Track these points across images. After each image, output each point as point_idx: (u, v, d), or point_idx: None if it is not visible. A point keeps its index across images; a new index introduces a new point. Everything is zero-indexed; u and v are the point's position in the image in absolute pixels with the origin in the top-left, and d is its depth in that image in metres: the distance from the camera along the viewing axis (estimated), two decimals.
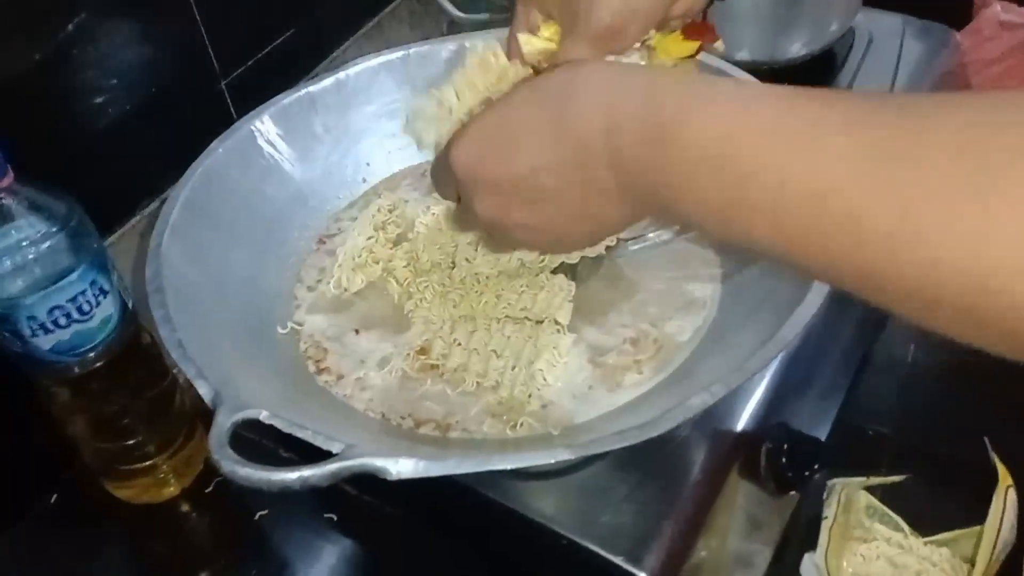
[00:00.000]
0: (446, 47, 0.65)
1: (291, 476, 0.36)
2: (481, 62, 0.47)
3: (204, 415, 0.48)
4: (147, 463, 0.57)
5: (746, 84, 0.33)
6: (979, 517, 0.60)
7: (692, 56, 0.45)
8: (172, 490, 0.60)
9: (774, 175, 0.28)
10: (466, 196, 0.40)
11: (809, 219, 0.27)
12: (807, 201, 0.27)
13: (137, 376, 0.55)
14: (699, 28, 0.45)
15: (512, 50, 0.47)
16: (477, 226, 0.42)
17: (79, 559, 0.58)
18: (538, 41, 0.45)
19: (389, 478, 0.38)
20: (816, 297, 0.43)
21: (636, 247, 0.56)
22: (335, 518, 0.58)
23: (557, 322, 0.52)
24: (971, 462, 0.59)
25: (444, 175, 0.42)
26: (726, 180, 0.29)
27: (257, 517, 0.58)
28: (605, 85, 0.34)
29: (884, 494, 0.63)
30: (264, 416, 0.40)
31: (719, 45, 0.47)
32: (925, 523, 0.63)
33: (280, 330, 0.55)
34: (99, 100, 0.58)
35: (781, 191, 0.28)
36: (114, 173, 0.61)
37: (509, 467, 0.38)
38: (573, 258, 0.55)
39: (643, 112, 0.32)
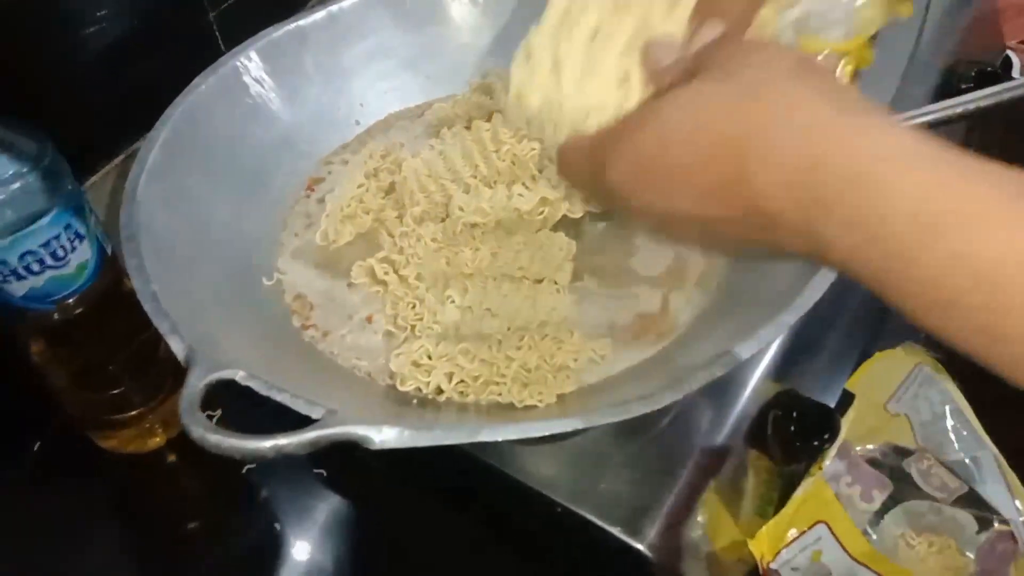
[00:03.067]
0: None
1: (265, 444, 0.34)
2: None
3: None
4: (132, 413, 0.56)
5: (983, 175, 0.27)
6: None
7: None
8: (158, 440, 0.58)
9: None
10: (622, 206, 0.36)
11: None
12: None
13: (119, 324, 0.53)
14: None
15: None
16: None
17: (63, 510, 0.57)
18: None
19: (372, 447, 0.36)
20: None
21: None
22: (324, 474, 0.56)
23: (556, 282, 0.49)
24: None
25: (592, 181, 0.37)
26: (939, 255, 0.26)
27: (245, 471, 0.57)
28: (804, 150, 0.28)
29: None
30: (240, 377, 0.38)
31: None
32: None
33: (266, 281, 0.52)
34: (78, 32, 0.55)
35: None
36: (94, 111, 0.58)
37: (499, 439, 0.36)
38: (577, 212, 0.51)
39: (860, 215, 0.27)
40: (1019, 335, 0.25)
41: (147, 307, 0.41)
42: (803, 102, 0.30)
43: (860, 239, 0.27)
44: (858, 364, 0.61)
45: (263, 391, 0.38)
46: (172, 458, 0.59)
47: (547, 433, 0.37)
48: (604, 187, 0.36)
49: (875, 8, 0.38)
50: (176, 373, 0.57)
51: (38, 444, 0.59)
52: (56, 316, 0.49)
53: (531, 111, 0.40)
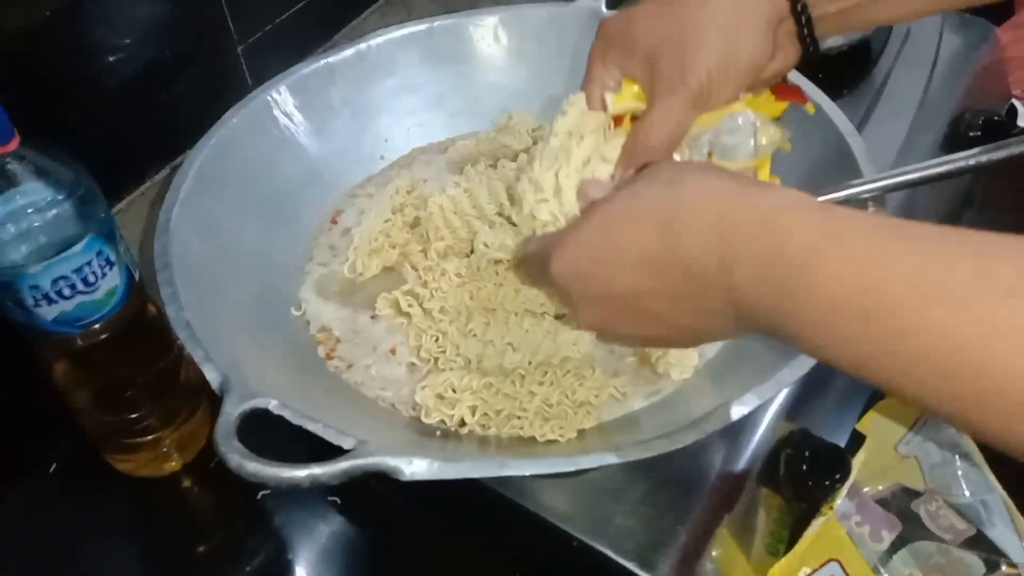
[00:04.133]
0: (472, 21, 0.62)
1: (301, 474, 0.35)
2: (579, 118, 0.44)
3: (209, 390, 0.47)
4: (149, 437, 0.56)
5: (861, 213, 0.30)
6: None
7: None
8: (174, 465, 0.58)
9: (938, 338, 0.26)
10: (568, 304, 0.39)
11: (977, 386, 0.26)
12: (979, 369, 0.26)
13: (142, 349, 0.53)
14: (789, 89, 0.45)
15: (593, 105, 0.45)
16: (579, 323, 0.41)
17: (77, 530, 0.57)
18: (627, 101, 0.43)
19: (402, 478, 0.36)
20: None
21: None
22: (339, 501, 0.56)
23: None
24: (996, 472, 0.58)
25: (541, 276, 0.40)
26: (873, 333, 0.28)
27: (259, 496, 0.57)
28: (714, 208, 0.32)
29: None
30: (273, 406, 0.39)
31: (809, 107, 0.46)
32: None
33: (294, 312, 0.53)
34: (111, 61, 0.56)
35: (951, 358, 0.26)
36: (124, 138, 0.59)
37: (527, 473, 0.37)
38: None
39: (763, 251, 0.30)
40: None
41: (182, 335, 0.42)
42: (715, 179, 0.34)
43: (763, 275, 0.30)
44: (867, 405, 0.62)
45: (295, 420, 0.38)
46: (187, 483, 0.58)
47: (573, 468, 0.38)
48: (550, 281, 0.38)
49: (771, 142, 0.43)
50: (195, 400, 0.57)
51: (55, 465, 0.59)
52: (80, 340, 0.50)
53: (541, 224, 0.45)
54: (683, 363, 0.49)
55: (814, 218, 0.30)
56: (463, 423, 0.46)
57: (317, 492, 0.56)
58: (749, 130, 0.42)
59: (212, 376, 0.40)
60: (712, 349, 0.51)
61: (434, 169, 0.62)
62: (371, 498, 0.55)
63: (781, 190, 0.33)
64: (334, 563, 0.54)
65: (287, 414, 0.38)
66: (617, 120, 0.44)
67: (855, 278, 0.28)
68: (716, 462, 0.51)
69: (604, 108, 0.44)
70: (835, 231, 0.29)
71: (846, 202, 0.45)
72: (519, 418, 0.46)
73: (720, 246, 0.31)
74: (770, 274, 0.30)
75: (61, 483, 0.59)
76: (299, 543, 0.55)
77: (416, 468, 0.36)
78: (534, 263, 0.42)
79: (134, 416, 0.55)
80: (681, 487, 0.49)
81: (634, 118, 0.44)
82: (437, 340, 0.50)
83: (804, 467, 0.51)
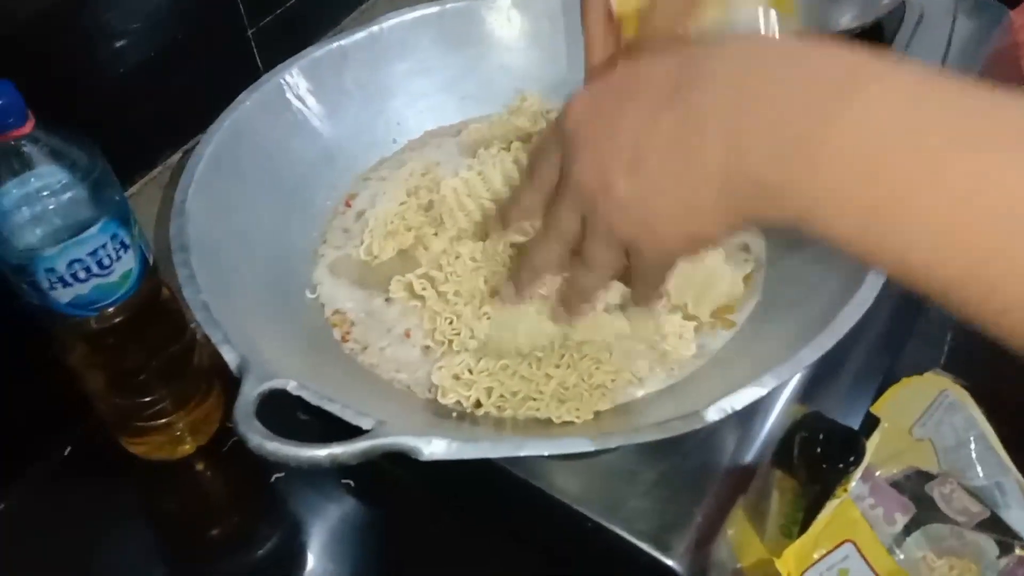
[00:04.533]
0: (485, 3, 0.62)
1: (320, 453, 0.35)
2: None
3: (222, 373, 0.47)
4: (163, 420, 0.56)
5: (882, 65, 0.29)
6: None
7: None
8: (187, 448, 0.59)
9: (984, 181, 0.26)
10: (568, 158, 0.38)
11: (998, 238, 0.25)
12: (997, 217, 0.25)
13: (155, 332, 0.53)
14: None
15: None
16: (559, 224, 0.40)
17: (91, 512, 0.57)
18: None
19: (421, 458, 0.37)
20: (871, 290, 0.42)
21: None
22: (352, 484, 0.57)
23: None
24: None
25: (551, 138, 0.39)
26: (910, 177, 0.27)
27: (273, 479, 0.57)
28: (739, 68, 0.32)
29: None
30: (292, 387, 0.39)
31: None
32: None
33: (309, 294, 0.53)
34: (122, 44, 0.56)
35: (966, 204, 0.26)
36: (136, 122, 0.59)
37: (545, 453, 0.37)
38: None
39: (775, 122, 0.30)
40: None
41: (199, 316, 0.42)
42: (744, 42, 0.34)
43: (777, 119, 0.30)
44: (880, 388, 0.62)
45: (314, 401, 0.38)
46: (200, 466, 0.59)
47: (589, 449, 0.38)
48: (562, 135, 0.37)
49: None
50: (208, 383, 0.58)
51: (69, 448, 0.60)
52: (95, 323, 0.50)
53: None
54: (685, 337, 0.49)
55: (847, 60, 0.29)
56: (479, 404, 0.46)
57: (330, 475, 0.57)
58: (760, 18, 0.41)
59: (230, 357, 0.40)
60: (720, 340, 0.51)
61: (447, 152, 0.61)
62: (385, 480, 0.55)
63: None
64: (347, 545, 0.54)
65: (306, 395, 0.38)
66: (624, 21, 0.43)
67: (893, 117, 0.27)
68: (730, 445, 0.51)
69: (609, 9, 0.43)
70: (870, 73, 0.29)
71: None
72: (535, 400, 0.46)
73: (732, 116, 0.31)
74: (778, 151, 0.30)
75: (76, 466, 0.59)
76: (312, 525, 0.55)
77: (435, 448, 0.36)
78: (549, 127, 0.41)
79: (147, 399, 0.55)
80: (696, 469, 0.49)
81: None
82: (451, 323, 0.50)
83: (818, 450, 0.51)
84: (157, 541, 0.58)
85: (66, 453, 0.59)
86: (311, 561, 0.54)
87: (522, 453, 0.37)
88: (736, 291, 0.52)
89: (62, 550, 0.54)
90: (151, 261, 0.51)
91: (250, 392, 0.37)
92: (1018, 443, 0.57)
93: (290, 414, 0.44)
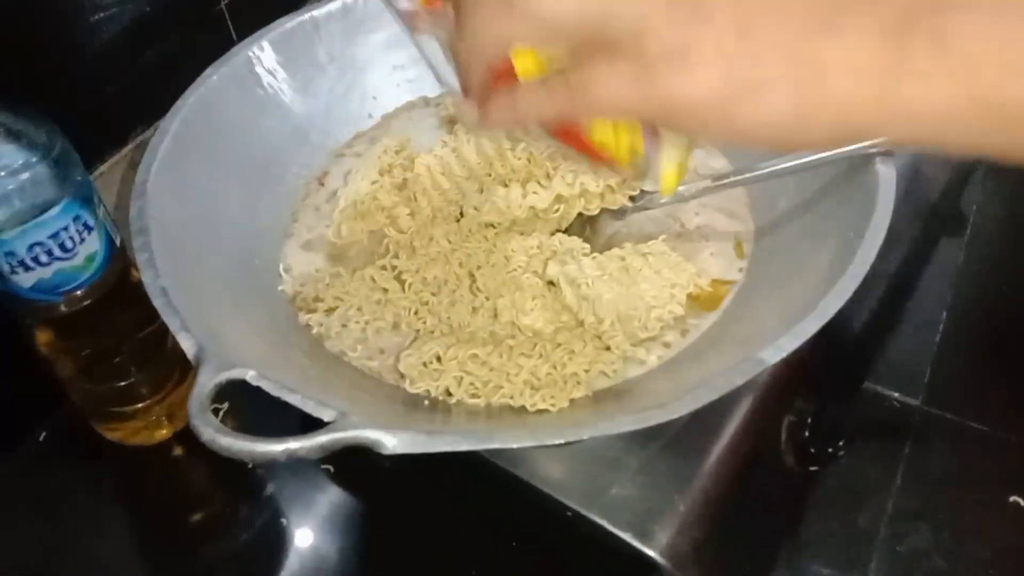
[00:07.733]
0: None
1: (277, 448, 0.34)
2: None
3: None
4: (139, 405, 0.55)
5: None
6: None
7: None
8: (164, 433, 0.58)
9: None
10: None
11: None
12: None
13: (127, 315, 0.52)
14: None
15: None
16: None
17: (66, 500, 0.56)
18: None
19: (384, 452, 0.35)
20: (860, 269, 0.40)
21: (664, 200, 0.52)
22: (331, 469, 0.56)
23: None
24: (1004, 437, 0.56)
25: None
26: None
27: (251, 464, 0.56)
28: None
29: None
30: (251, 377, 0.37)
31: None
32: None
33: (283, 274, 0.51)
34: (87, 20, 0.54)
35: None
36: (104, 99, 0.57)
37: (514, 446, 0.35)
38: (592, 210, 0.51)
39: None
40: None
41: (157, 303, 0.40)
42: None
43: None
44: (871, 365, 0.60)
45: (273, 392, 0.37)
46: (178, 451, 0.58)
47: (561, 441, 0.36)
48: None
49: None
50: (183, 366, 0.56)
51: (43, 434, 0.59)
52: (63, 307, 0.48)
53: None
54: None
55: None
56: (449, 393, 0.45)
57: (310, 461, 0.56)
58: None
59: (187, 345, 0.38)
60: (715, 315, 0.49)
61: (424, 126, 0.60)
62: (363, 467, 0.54)
63: None
64: (329, 531, 0.53)
65: (265, 385, 0.37)
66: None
67: None
68: (716, 430, 0.49)
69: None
70: None
71: None
72: (506, 388, 0.44)
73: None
74: None
75: (51, 452, 0.58)
76: (293, 511, 0.54)
77: (398, 441, 0.35)
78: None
79: (122, 384, 0.54)
80: (680, 457, 0.48)
81: None
82: (416, 312, 0.48)
83: (807, 434, 0.50)
84: (135, 528, 0.57)
85: (40, 439, 0.59)
86: (293, 546, 0.53)
87: (489, 446, 0.35)
88: (672, 313, 0.49)
89: (38, 536, 0.54)
90: (118, 243, 0.49)
91: (206, 383, 0.36)
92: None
93: (274, 403, 0.43)
